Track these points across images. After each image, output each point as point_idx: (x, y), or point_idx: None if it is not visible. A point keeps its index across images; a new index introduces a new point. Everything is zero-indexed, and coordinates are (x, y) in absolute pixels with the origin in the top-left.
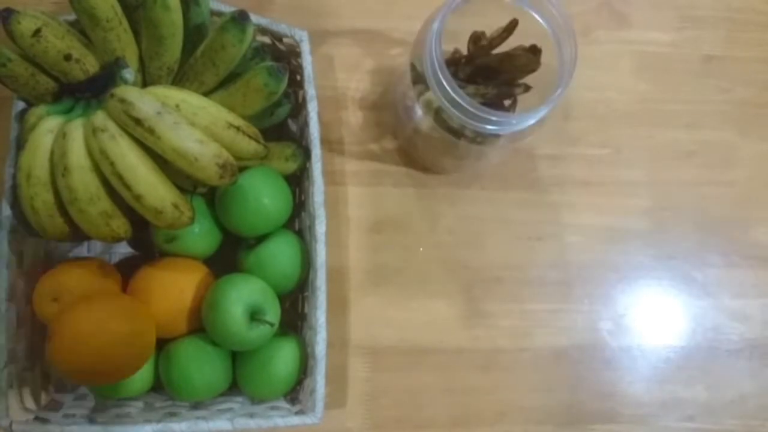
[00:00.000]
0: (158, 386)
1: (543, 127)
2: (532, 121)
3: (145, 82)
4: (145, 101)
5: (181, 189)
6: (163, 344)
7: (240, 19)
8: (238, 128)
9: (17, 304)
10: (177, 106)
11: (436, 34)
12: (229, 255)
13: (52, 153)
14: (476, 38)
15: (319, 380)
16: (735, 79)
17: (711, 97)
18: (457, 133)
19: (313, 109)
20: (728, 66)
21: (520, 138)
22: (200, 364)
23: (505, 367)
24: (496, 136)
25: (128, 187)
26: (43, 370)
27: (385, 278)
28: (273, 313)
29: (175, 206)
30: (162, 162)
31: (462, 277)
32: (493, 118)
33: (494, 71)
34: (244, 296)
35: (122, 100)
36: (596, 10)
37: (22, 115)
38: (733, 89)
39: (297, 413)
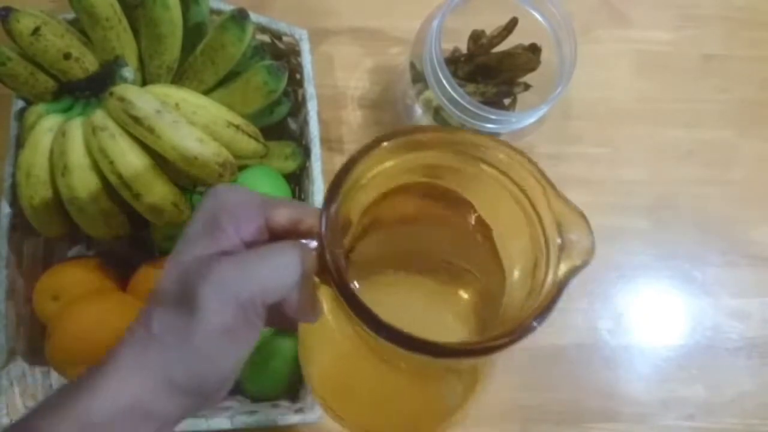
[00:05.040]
0: None
1: (542, 125)
2: (531, 120)
3: (145, 80)
4: (145, 100)
5: (181, 187)
6: None
7: (239, 17)
8: (237, 127)
9: (17, 303)
10: (176, 104)
11: (435, 32)
12: None
13: (51, 152)
14: (476, 37)
15: None
16: (735, 78)
17: (711, 96)
18: None
19: (312, 107)
20: (728, 65)
21: (520, 137)
22: None
23: (505, 365)
24: (496, 134)
25: (128, 186)
26: (43, 368)
27: None
28: None
29: (175, 205)
30: (161, 161)
31: None
32: (493, 117)
33: (494, 70)
34: None
35: (122, 99)
36: (596, 8)
37: (21, 113)
38: (733, 88)
39: (297, 411)
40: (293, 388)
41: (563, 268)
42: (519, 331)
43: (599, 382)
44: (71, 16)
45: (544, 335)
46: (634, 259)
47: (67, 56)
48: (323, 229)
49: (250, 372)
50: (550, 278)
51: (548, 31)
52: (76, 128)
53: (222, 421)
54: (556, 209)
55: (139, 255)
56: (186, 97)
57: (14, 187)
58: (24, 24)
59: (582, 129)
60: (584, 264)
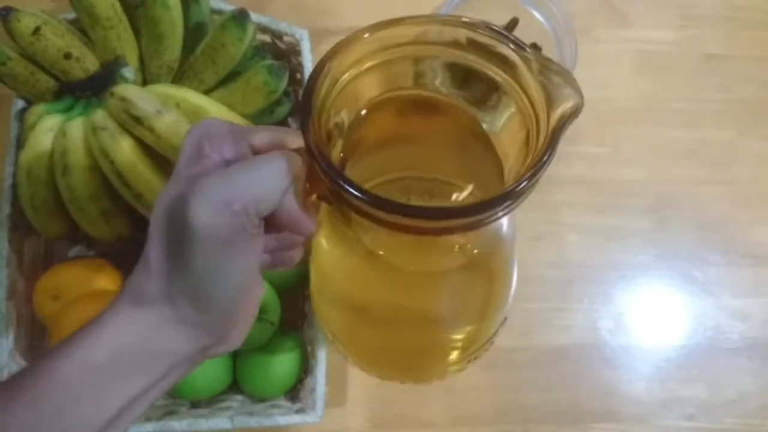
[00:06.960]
0: None
1: None
2: None
3: (145, 80)
4: (145, 100)
5: None
6: None
7: (240, 17)
8: None
9: (17, 303)
10: (177, 104)
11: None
12: None
13: (52, 152)
14: None
15: (320, 379)
16: (736, 78)
17: (711, 95)
18: None
19: None
20: (729, 65)
21: None
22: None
23: (505, 365)
24: None
25: (128, 186)
26: None
27: None
28: (273, 312)
29: None
30: (162, 160)
31: None
32: None
33: None
34: None
35: (122, 99)
36: (597, 8)
37: (21, 113)
38: (734, 88)
39: (297, 412)
40: (293, 388)
41: (554, 119)
42: (514, 188)
43: (599, 382)
44: (72, 15)
45: (544, 335)
46: (634, 259)
47: (67, 56)
48: (307, 109)
49: (250, 372)
50: (542, 136)
51: (549, 30)
52: (76, 128)
53: (222, 421)
54: (538, 74)
55: (139, 255)
56: (186, 96)
57: (15, 187)
58: (24, 24)
59: (582, 129)
60: (574, 112)
